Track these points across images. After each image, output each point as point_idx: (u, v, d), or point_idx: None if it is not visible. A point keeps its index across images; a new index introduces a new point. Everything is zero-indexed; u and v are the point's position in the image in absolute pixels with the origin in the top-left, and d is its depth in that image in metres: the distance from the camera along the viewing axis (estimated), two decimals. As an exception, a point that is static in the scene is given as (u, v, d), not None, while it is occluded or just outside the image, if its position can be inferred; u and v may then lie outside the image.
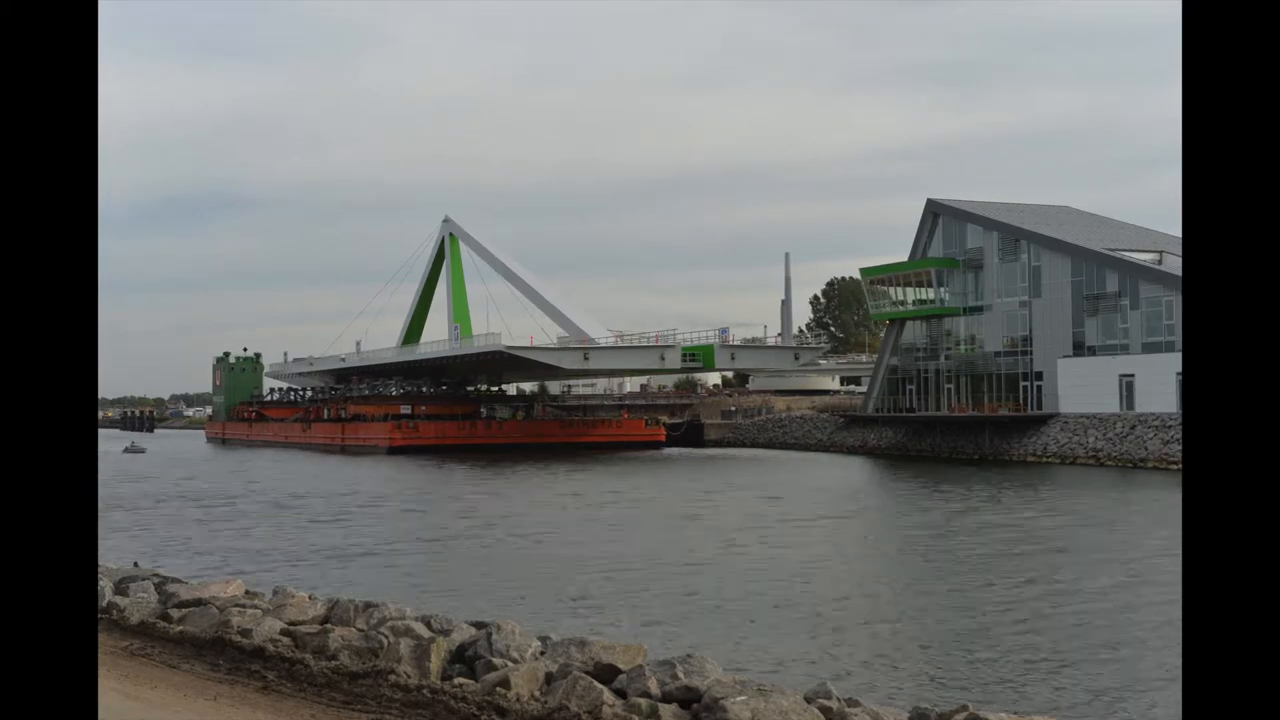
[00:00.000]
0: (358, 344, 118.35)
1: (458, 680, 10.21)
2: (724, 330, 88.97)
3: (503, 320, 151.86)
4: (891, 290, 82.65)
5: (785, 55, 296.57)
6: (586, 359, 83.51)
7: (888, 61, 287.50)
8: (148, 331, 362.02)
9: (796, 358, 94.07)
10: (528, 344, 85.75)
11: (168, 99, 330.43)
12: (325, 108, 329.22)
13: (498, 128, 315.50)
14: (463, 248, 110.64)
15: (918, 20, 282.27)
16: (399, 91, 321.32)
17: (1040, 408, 69.91)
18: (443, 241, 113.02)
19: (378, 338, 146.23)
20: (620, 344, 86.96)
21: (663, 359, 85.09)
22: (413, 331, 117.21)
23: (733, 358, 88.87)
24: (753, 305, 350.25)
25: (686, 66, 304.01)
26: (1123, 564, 24.93)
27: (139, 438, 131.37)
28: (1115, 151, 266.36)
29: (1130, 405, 64.05)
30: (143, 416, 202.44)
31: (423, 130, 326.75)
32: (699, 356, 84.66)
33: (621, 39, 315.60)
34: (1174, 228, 79.49)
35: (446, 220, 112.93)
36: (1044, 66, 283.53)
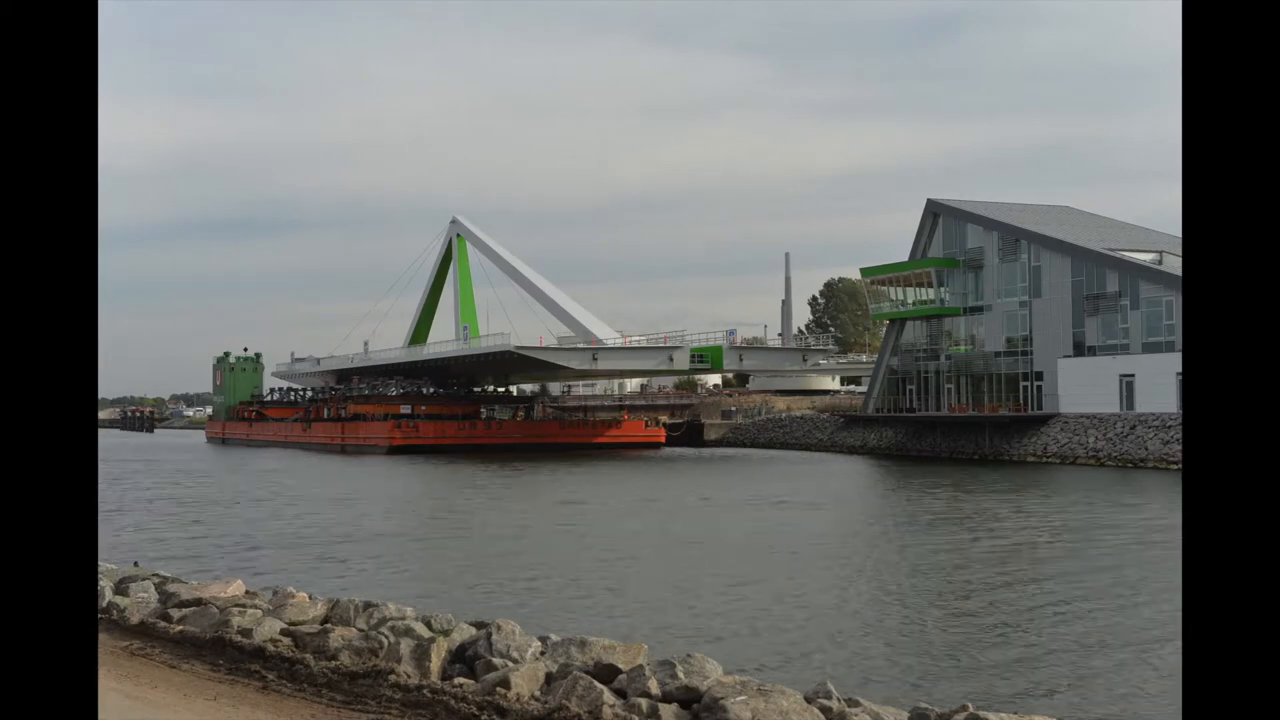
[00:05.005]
0: (365, 344, 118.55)
1: (458, 680, 10.20)
2: (732, 331, 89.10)
3: (509, 321, 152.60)
4: (891, 290, 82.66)
5: (778, 91, 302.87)
6: (595, 360, 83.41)
7: (871, 95, 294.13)
8: (149, 332, 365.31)
9: (805, 359, 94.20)
10: (537, 344, 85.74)
11: (185, 131, 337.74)
12: (333, 135, 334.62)
13: (503, 148, 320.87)
14: (470, 249, 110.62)
15: (903, 60, 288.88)
16: (402, 121, 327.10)
17: (1040, 408, 69.91)
18: (450, 243, 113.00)
19: (384, 340, 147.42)
20: (630, 345, 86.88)
21: (671, 360, 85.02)
22: (420, 333, 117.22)
23: (741, 359, 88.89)
24: (750, 308, 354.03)
25: (684, 101, 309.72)
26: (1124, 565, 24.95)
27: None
28: (1105, 166, 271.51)
29: (1130, 405, 64.05)
30: (142, 416, 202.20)
31: (426, 154, 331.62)
32: (707, 358, 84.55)
33: (622, 77, 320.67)
34: (1174, 228, 79.64)
35: (454, 221, 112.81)
36: (1025, 97, 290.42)
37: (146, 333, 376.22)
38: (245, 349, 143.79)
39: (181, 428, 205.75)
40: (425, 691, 9.84)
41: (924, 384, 79.92)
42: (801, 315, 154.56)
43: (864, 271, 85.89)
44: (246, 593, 14.94)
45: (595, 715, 9.01)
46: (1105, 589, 21.80)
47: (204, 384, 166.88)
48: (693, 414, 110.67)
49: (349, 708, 9.68)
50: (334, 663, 10.76)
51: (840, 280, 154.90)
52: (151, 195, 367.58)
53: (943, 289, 78.48)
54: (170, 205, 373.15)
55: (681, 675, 9.56)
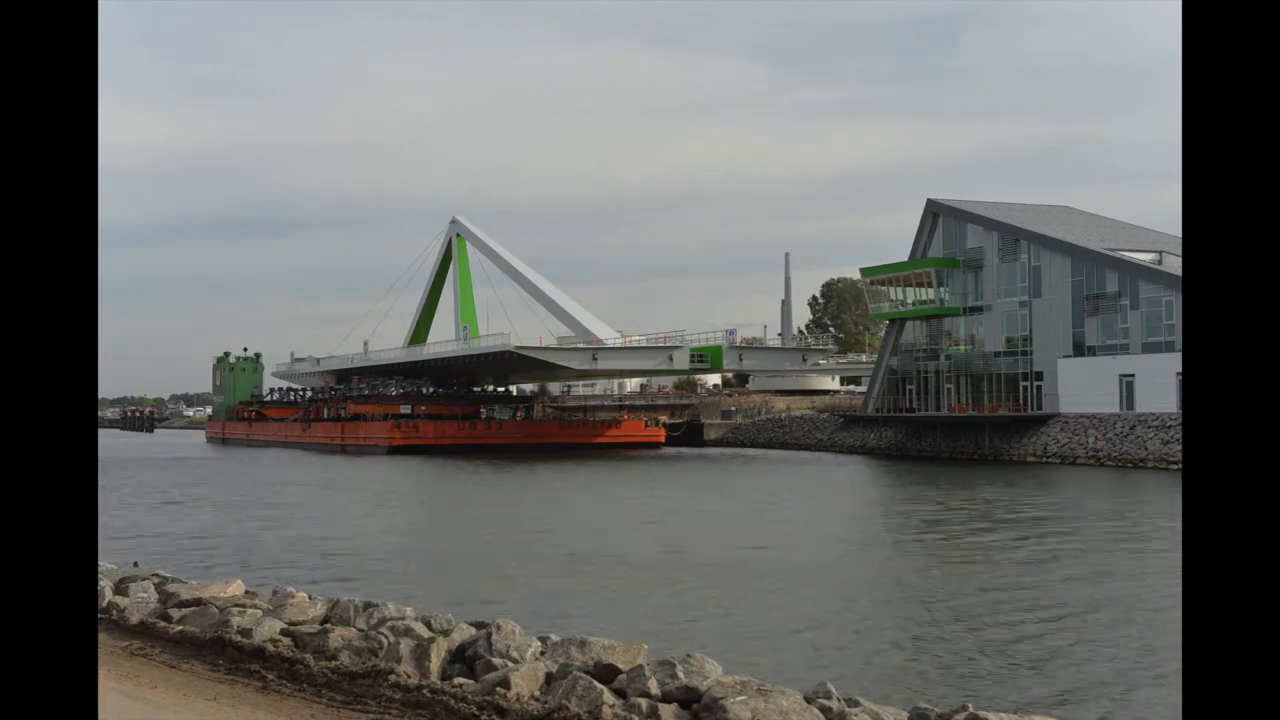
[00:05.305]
0: (365, 344, 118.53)
1: (457, 680, 10.20)
2: (732, 331, 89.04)
3: (509, 321, 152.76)
4: (891, 290, 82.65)
5: (778, 91, 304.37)
6: (595, 360, 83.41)
7: (871, 96, 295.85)
8: (149, 332, 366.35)
9: (804, 359, 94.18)
10: (536, 344, 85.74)
11: (185, 131, 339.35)
12: (333, 135, 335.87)
13: (503, 148, 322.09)
14: (470, 249, 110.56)
15: (903, 60, 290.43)
16: (402, 121, 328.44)
17: (1040, 408, 69.89)
18: (450, 243, 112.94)
19: (384, 340, 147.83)
20: (630, 345, 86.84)
21: (671, 360, 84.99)
22: (419, 333, 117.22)
23: (740, 359, 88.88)
24: (750, 308, 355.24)
25: (684, 101, 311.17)
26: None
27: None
28: (1105, 166, 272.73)
29: (1130, 405, 64.04)
30: (142, 416, 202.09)
31: (426, 154, 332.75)
32: (707, 357, 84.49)
33: (622, 77, 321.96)
34: (1174, 228, 79.63)
35: (454, 221, 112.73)
36: (1025, 97, 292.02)
37: (146, 333, 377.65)
38: (245, 349, 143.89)
39: (181, 428, 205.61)
40: (425, 691, 9.84)
41: (924, 384, 79.91)
42: (801, 315, 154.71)
43: (864, 271, 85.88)
44: (246, 593, 14.93)
45: (595, 715, 9.01)
46: (1104, 588, 21.81)
47: (204, 384, 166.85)
48: (692, 414, 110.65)
49: (349, 708, 9.68)
50: (334, 663, 10.75)
51: (840, 280, 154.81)
52: (151, 195, 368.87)
53: (943, 289, 78.45)
54: (170, 205, 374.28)
55: (681, 675, 9.55)
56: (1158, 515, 34.90)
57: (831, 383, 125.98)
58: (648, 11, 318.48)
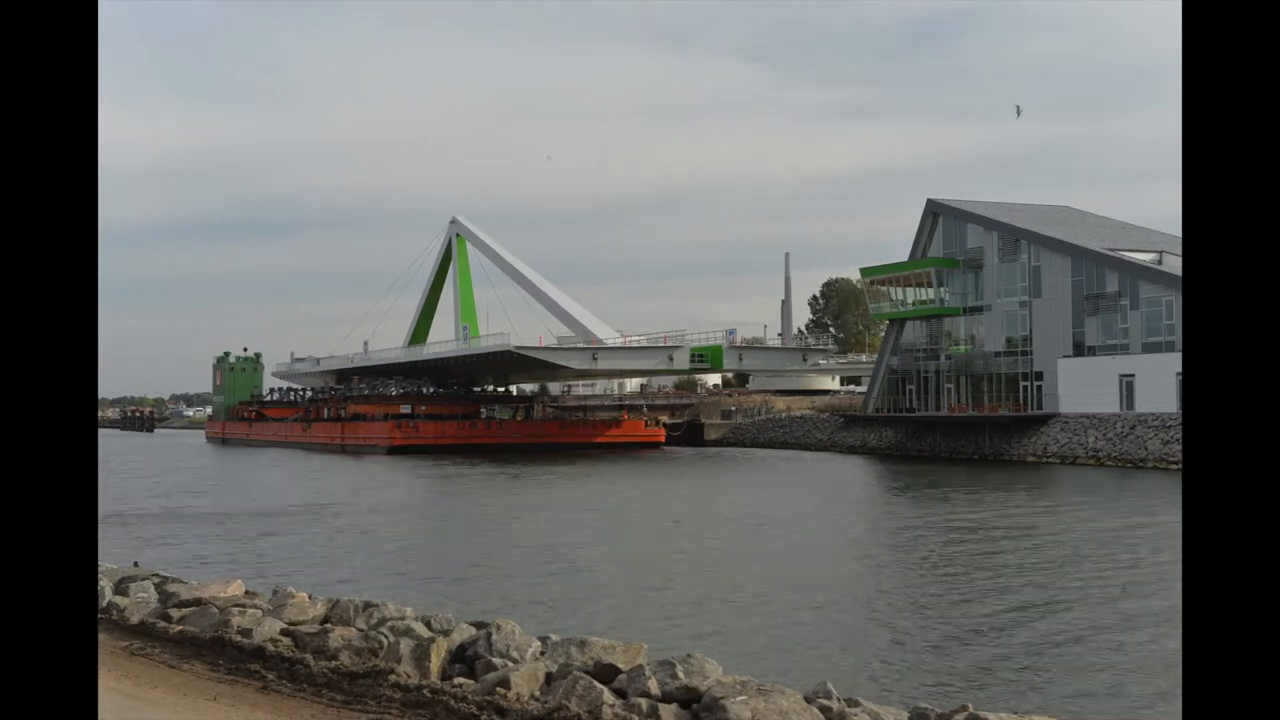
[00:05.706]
0: (365, 344, 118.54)
1: (458, 680, 10.20)
2: (732, 331, 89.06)
3: (509, 321, 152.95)
4: (891, 290, 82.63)
5: (778, 92, 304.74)
6: (595, 360, 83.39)
7: (871, 96, 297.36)
8: (149, 332, 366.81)
9: (805, 358, 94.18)
10: (536, 344, 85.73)
11: (185, 131, 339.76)
12: (333, 135, 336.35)
13: (503, 148, 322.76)
14: (470, 249, 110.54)
15: (903, 61, 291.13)
16: (402, 121, 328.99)
17: (1040, 408, 69.88)
18: (450, 243, 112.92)
19: (384, 340, 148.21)
20: (630, 345, 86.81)
21: (671, 360, 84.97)
22: (419, 333, 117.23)
23: (741, 359, 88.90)
24: (750, 308, 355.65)
25: (684, 101, 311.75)
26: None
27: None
28: (1105, 167, 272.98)
29: (1130, 405, 64.03)
30: (142, 416, 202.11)
31: (426, 154, 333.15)
32: (707, 357, 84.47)
33: (622, 77, 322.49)
34: (1174, 228, 79.63)
35: (454, 221, 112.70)
36: (1025, 97, 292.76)
37: (146, 333, 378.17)
38: (245, 349, 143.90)
39: (181, 427, 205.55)
40: (425, 691, 9.84)
41: (924, 384, 79.89)
42: (801, 315, 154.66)
43: (864, 271, 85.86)
44: (246, 593, 14.91)
45: (595, 715, 9.00)
46: (1103, 588, 21.81)
47: (204, 384, 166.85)
48: (693, 414, 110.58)
49: (349, 708, 9.68)
50: (334, 663, 10.75)
51: (840, 280, 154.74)
52: (151, 195, 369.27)
53: (943, 289, 78.44)
54: (170, 205, 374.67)
55: (681, 675, 9.55)
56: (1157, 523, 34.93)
57: (831, 383, 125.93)
58: (648, 12, 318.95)
